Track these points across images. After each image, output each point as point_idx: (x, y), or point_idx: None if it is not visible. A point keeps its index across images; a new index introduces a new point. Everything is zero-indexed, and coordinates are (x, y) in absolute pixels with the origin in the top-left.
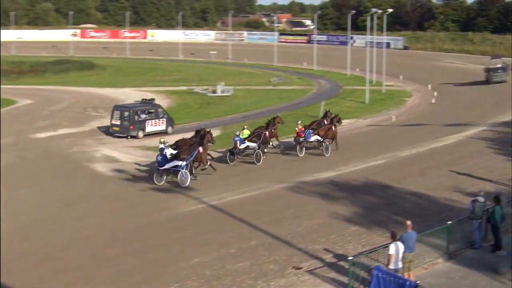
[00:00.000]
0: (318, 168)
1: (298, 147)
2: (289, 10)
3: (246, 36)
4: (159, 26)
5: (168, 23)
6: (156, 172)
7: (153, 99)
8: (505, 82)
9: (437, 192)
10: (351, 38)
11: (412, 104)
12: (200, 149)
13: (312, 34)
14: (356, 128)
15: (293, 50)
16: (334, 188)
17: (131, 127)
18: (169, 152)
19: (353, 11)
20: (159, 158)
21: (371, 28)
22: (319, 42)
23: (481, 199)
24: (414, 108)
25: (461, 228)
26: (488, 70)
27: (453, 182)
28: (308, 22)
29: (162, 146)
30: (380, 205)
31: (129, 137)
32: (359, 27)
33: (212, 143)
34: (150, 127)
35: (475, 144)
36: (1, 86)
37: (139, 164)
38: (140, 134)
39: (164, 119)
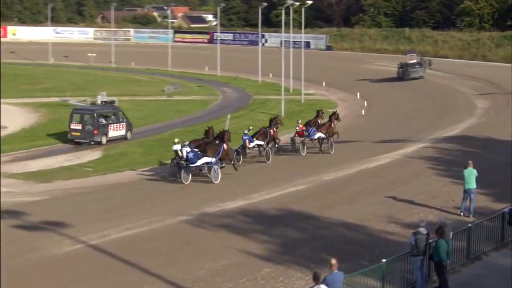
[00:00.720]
0: (225, 196)
1: (301, 146)
2: (186, 2)
3: (133, 34)
4: (23, 22)
5: (34, 18)
6: (185, 170)
7: (113, 101)
8: (422, 78)
9: (370, 223)
10: (263, 36)
11: None
12: (225, 146)
13: (215, 32)
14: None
15: (192, 51)
16: (245, 220)
17: (95, 132)
18: (186, 150)
19: (265, 4)
20: (191, 155)
21: (287, 25)
22: (223, 41)
23: (423, 230)
24: (340, 122)
25: (399, 267)
26: (403, 66)
27: (389, 211)
28: (209, 17)
29: (176, 146)
30: (301, 240)
31: (92, 143)
32: (272, 23)
33: (229, 141)
34: (112, 132)
35: (414, 164)
36: None
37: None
38: (104, 139)
39: (124, 124)
